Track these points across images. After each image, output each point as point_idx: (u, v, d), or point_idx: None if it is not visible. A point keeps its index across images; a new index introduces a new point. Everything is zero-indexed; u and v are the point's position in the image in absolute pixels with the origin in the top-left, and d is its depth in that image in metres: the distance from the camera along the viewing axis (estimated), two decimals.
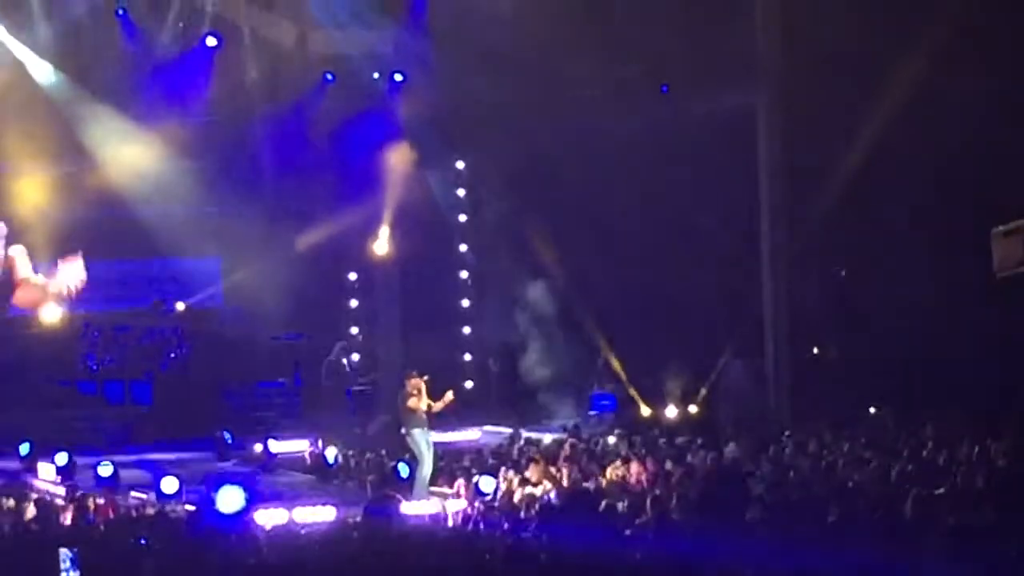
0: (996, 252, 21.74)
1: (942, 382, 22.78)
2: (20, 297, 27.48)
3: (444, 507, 18.97)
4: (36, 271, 27.02)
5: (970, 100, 23.11)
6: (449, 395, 21.01)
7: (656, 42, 26.23)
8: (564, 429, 24.87)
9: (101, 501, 18.51)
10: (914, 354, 24.16)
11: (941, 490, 13.79)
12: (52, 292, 27.05)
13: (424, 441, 20.62)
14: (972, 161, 23.69)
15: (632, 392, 27.27)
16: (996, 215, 22.01)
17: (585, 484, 18.25)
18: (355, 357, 29.30)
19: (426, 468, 20.53)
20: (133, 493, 20.57)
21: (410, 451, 20.65)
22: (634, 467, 18.83)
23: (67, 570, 12.18)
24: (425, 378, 20.86)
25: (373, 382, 28.34)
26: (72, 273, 27.08)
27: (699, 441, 21.04)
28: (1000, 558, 8.01)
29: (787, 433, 21.65)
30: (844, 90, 25.11)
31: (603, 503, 14.78)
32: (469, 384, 29.66)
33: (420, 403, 20.85)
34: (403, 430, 20.83)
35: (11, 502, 18.50)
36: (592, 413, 27.67)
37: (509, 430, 25.34)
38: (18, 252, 26.72)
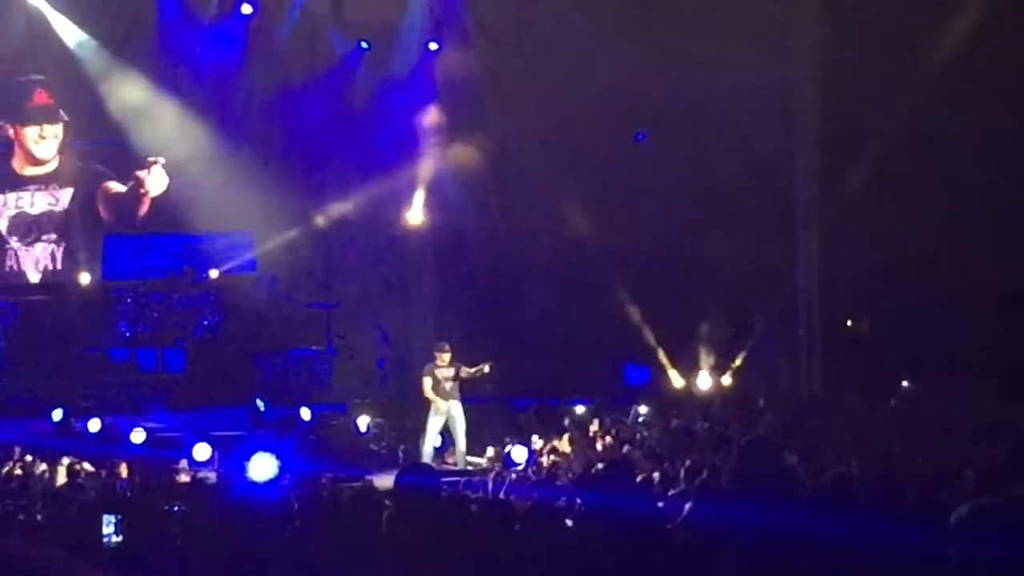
0: None
1: (979, 359, 22.63)
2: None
3: (476, 476, 18.97)
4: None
5: (1014, 72, 22.86)
6: (486, 367, 21.02)
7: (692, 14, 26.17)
8: (595, 399, 24.82)
9: (133, 467, 18.55)
10: (949, 328, 23.99)
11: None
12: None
13: (435, 416, 20.76)
14: (1014, 136, 23.48)
15: (665, 363, 27.20)
16: None
17: (615, 454, 18.22)
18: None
19: (428, 443, 20.72)
20: (165, 460, 20.59)
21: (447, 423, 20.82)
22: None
23: (110, 535, 12.18)
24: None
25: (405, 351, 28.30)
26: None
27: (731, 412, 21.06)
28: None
29: (820, 405, 21.60)
30: (882, 60, 24.92)
31: (637, 473, 14.72)
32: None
33: (447, 374, 20.94)
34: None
35: (43, 467, 18.57)
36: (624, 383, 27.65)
37: (541, 400, 25.30)
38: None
